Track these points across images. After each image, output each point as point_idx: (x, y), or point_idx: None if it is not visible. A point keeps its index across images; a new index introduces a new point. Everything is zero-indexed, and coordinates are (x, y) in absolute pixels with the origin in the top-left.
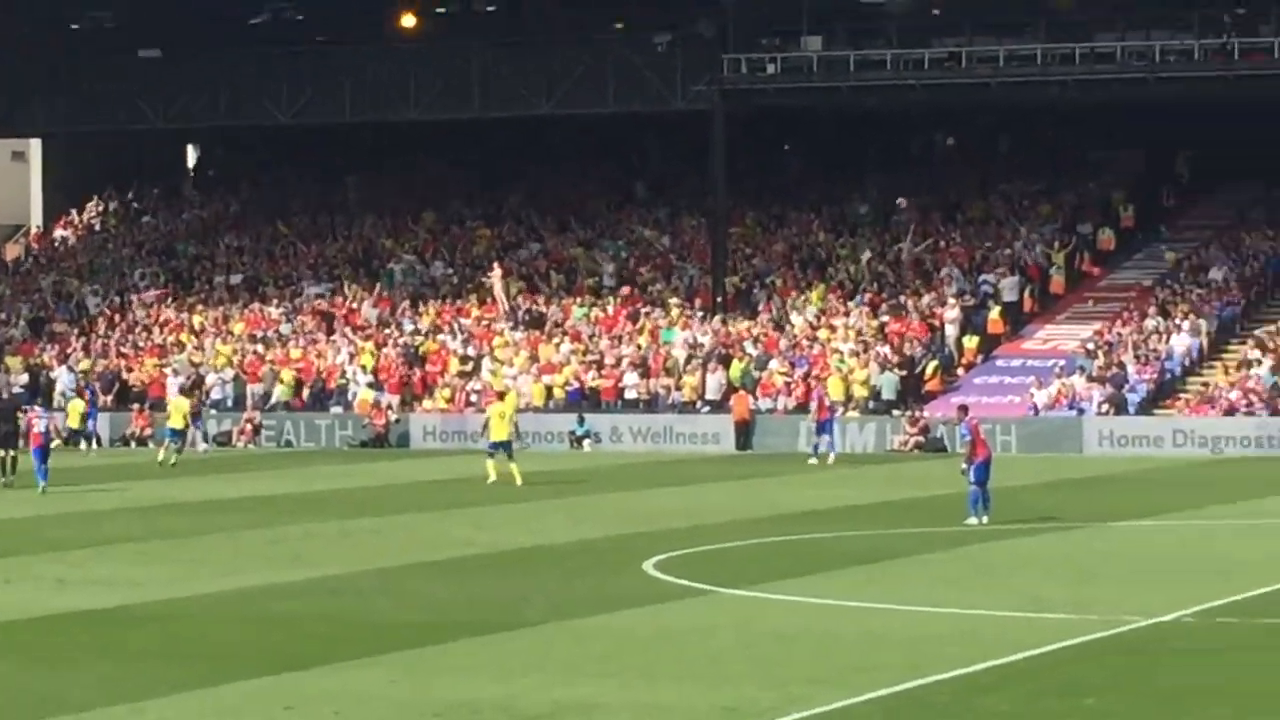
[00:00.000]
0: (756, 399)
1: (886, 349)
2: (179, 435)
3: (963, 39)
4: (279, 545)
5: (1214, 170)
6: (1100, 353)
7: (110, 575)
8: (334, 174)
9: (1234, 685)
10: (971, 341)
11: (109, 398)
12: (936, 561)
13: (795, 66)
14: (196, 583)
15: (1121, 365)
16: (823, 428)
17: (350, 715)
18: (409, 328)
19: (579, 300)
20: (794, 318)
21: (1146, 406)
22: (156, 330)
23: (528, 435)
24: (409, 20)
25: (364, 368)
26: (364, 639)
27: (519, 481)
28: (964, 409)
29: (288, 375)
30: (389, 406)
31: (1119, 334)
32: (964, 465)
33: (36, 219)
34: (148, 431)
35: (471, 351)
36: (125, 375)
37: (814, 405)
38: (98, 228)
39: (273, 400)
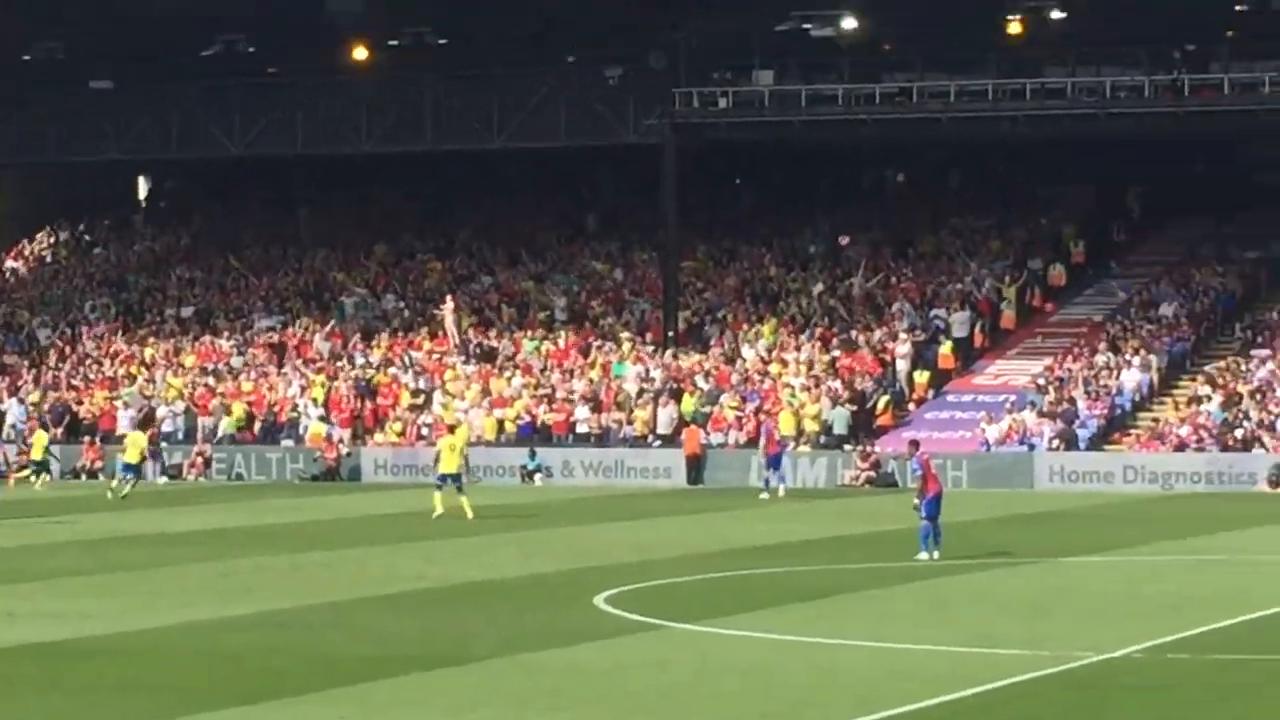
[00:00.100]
0: (708, 433)
1: (838, 384)
2: (133, 470)
3: (914, 74)
4: (229, 579)
5: (1164, 206)
6: (1051, 388)
7: (59, 608)
8: (286, 206)
9: None
10: (923, 376)
11: (59, 430)
12: (887, 596)
13: (747, 100)
14: (146, 616)
15: (1072, 401)
16: (772, 462)
17: None
18: (360, 361)
19: (530, 334)
20: (745, 352)
21: (1097, 442)
22: (107, 362)
23: (479, 469)
24: (361, 53)
25: (315, 401)
26: (315, 673)
27: (470, 515)
28: (915, 444)
29: (238, 408)
30: (340, 440)
31: (1070, 369)
32: (916, 500)
33: None
34: (98, 464)
35: (423, 385)
36: (76, 408)
37: (763, 439)
38: (49, 259)
39: (219, 433)
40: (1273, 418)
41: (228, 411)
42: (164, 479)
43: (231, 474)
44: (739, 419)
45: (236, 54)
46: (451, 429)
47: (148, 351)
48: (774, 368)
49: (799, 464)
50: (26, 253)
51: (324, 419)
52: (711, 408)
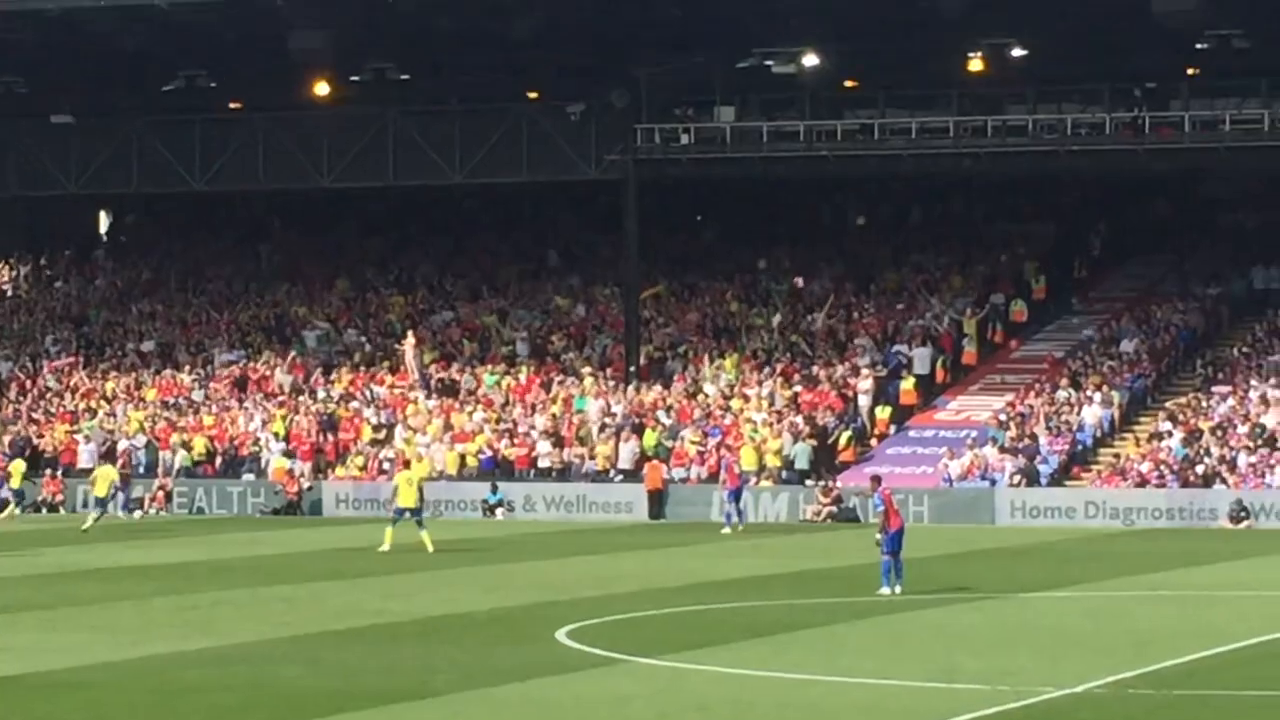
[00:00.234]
0: (670, 468)
1: (799, 419)
2: (104, 504)
3: (875, 111)
4: (189, 613)
5: (1125, 242)
6: (1012, 424)
7: (17, 643)
8: (247, 241)
9: None
10: (884, 412)
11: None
12: (849, 631)
13: (708, 137)
14: (105, 650)
15: (1033, 436)
16: (733, 496)
17: None
18: (322, 395)
19: (491, 368)
20: (707, 387)
21: (1058, 478)
22: (68, 396)
23: (441, 504)
24: (323, 88)
25: (276, 435)
26: (275, 708)
27: (431, 549)
28: (877, 479)
29: (199, 442)
30: (301, 474)
31: (1031, 405)
32: (878, 535)
33: None
34: (59, 498)
35: (385, 419)
36: (36, 441)
37: (723, 473)
38: (9, 293)
39: (175, 466)
40: (1233, 454)
41: (188, 446)
42: (124, 513)
43: (193, 508)
44: (701, 454)
45: (198, 89)
46: (407, 464)
47: (108, 385)
48: (735, 402)
49: (761, 498)
50: None
51: (287, 454)
52: (673, 442)
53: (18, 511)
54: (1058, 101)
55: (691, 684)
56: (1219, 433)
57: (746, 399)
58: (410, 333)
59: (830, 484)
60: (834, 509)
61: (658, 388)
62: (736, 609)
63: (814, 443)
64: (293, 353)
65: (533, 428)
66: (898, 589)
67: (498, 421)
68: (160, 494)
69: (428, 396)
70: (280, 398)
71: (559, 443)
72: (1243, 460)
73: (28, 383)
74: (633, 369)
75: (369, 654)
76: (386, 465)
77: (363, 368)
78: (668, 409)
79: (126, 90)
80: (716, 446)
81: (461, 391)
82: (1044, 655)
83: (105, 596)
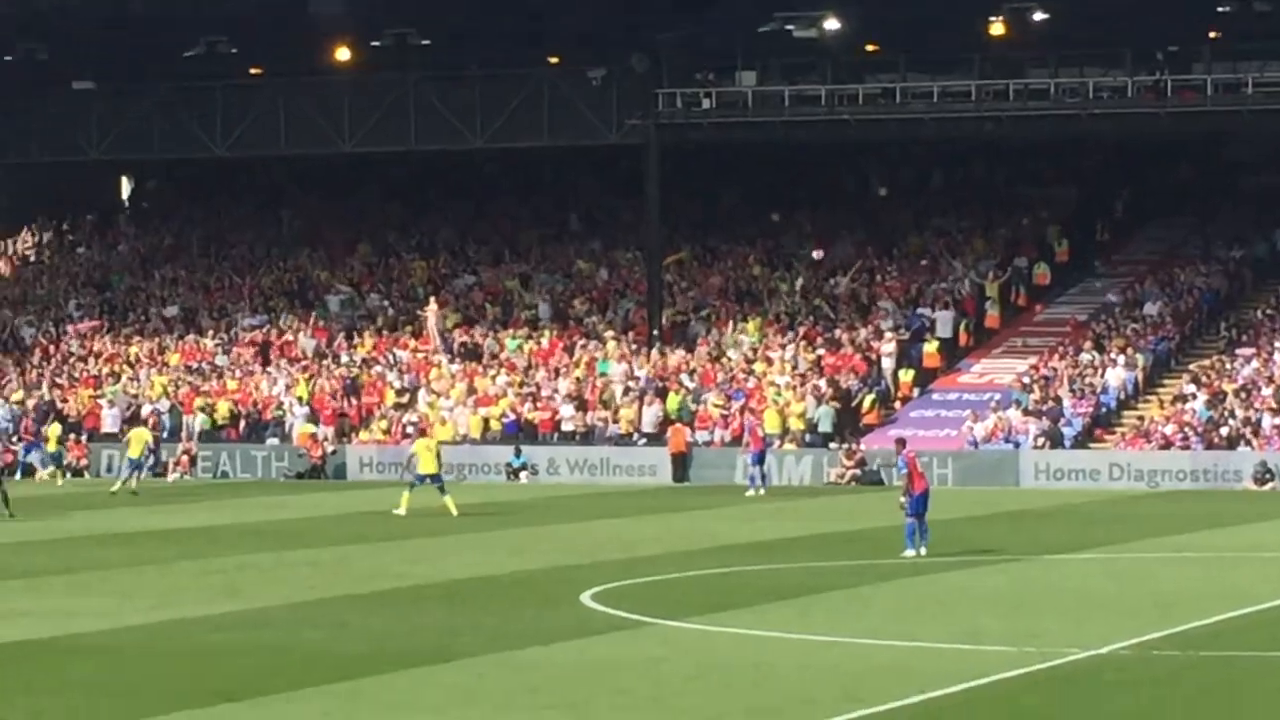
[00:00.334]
0: (693, 431)
1: (823, 382)
2: (136, 465)
3: (897, 75)
4: (214, 577)
5: (1148, 205)
6: (1036, 386)
7: (44, 607)
8: (269, 206)
9: (1170, 717)
10: (908, 375)
11: (44, 428)
12: (873, 594)
13: (730, 101)
14: (130, 615)
15: (1057, 399)
16: (756, 459)
17: None
18: (345, 359)
19: (514, 333)
20: (730, 351)
21: (1082, 440)
22: (91, 361)
23: (464, 468)
24: (344, 53)
25: (300, 399)
26: (299, 671)
27: (455, 513)
28: (902, 442)
29: (223, 406)
30: (325, 438)
31: (1054, 368)
32: (902, 498)
33: None
34: (83, 462)
35: (408, 383)
36: (60, 405)
37: (747, 436)
38: (32, 259)
39: (194, 430)
40: (1258, 415)
41: (211, 409)
42: (151, 476)
43: (217, 472)
44: (724, 417)
45: (219, 55)
46: (423, 431)
47: (132, 350)
48: (759, 366)
49: (784, 462)
50: (10, 252)
51: (311, 419)
52: (697, 406)
53: (61, 478)
54: (1079, 65)
55: (716, 646)
56: (1243, 395)
57: (770, 362)
58: (433, 299)
59: (854, 447)
60: (857, 472)
61: (681, 351)
62: (760, 571)
63: (837, 405)
64: (315, 317)
65: (556, 391)
66: (923, 550)
67: (521, 385)
68: (184, 458)
69: (451, 360)
70: (303, 362)
71: (582, 406)
72: (1267, 422)
73: (50, 348)
74: (655, 332)
75: (394, 617)
76: (410, 429)
77: (385, 332)
78: (691, 372)
79: (148, 56)
80: (740, 410)
81: (485, 355)
82: (1069, 617)
83: (131, 561)
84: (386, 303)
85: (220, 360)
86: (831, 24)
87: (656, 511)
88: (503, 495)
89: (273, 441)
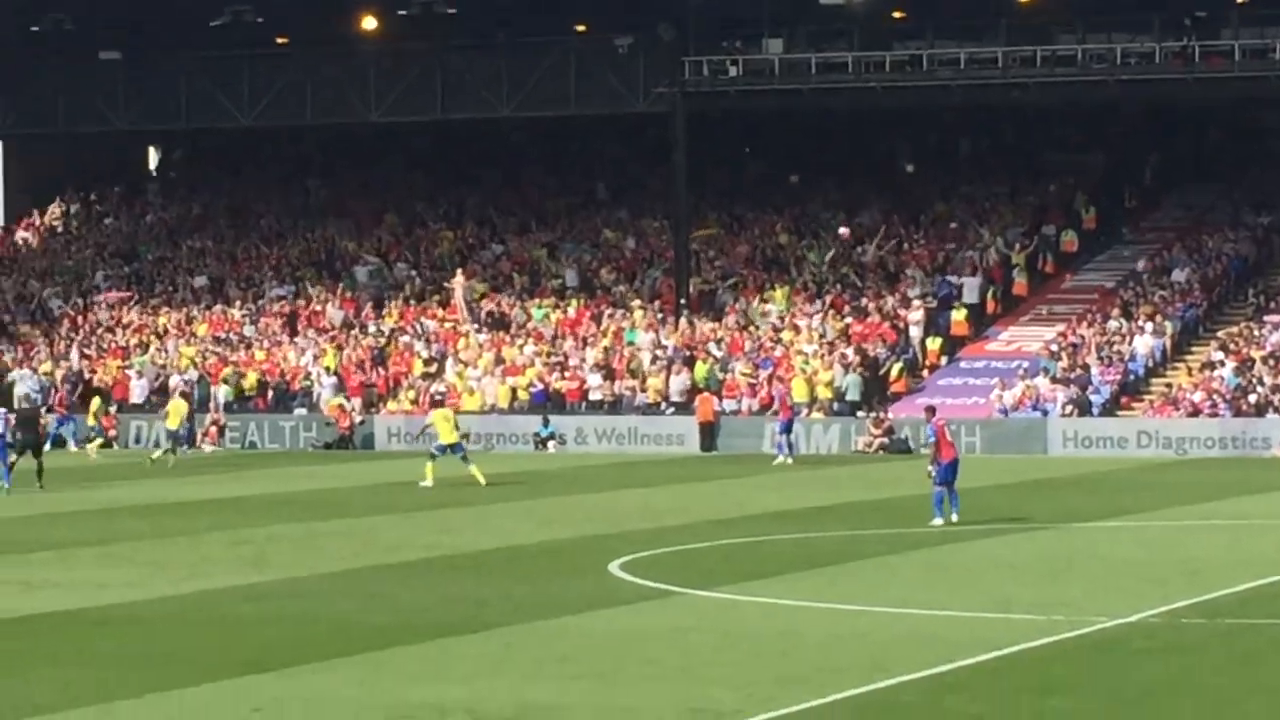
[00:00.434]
0: (721, 400)
1: (850, 350)
2: (174, 436)
3: (924, 42)
4: (243, 547)
5: (1176, 172)
6: (1064, 354)
7: (74, 578)
8: (296, 176)
9: (1198, 685)
10: (935, 343)
11: (74, 399)
12: (901, 563)
13: (756, 69)
14: (161, 585)
15: (1085, 367)
16: (784, 428)
17: (316, 717)
18: (372, 329)
19: (541, 302)
20: (758, 320)
21: (1110, 408)
22: (120, 332)
23: (492, 437)
24: (370, 22)
25: (327, 369)
26: (329, 641)
27: (483, 482)
28: (931, 410)
29: (251, 376)
30: (353, 408)
31: (1082, 335)
32: (930, 466)
33: None
34: (112, 433)
35: (435, 353)
36: (89, 376)
37: (776, 404)
38: (60, 230)
39: (220, 401)
40: None
41: (241, 379)
42: (210, 448)
43: (244, 442)
44: (752, 386)
45: (245, 24)
46: (436, 403)
47: (160, 321)
48: (786, 334)
49: (812, 430)
50: (38, 223)
51: (339, 389)
52: (724, 375)
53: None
54: (1107, 31)
55: (745, 615)
56: (1271, 362)
57: (797, 330)
58: (460, 271)
59: (882, 415)
60: (885, 440)
61: (709, 320)
62: (788, 541)
63: (865, 374)
64: (342, 287)
65: (583, 360)
66: (954, 518)
67: (548, 355)
68: (213, 429)
69: (478, 330)
70: (331, 332)
71: (610, 375)
72: None
73: (79, 319)
74: (683, 301)
75: (422, 588)
76: (439, 398)
77: (413, 302)
78: (718, 341)
79: (174, 26)
80: (768, 378)
81: (512, 325)
82: (1097, 585)
83: (159, 531)
84: (414, 272)
85: (248, 330)
86: None
87: (684, 481)
88: (530, 465)
89: (300, 412)
